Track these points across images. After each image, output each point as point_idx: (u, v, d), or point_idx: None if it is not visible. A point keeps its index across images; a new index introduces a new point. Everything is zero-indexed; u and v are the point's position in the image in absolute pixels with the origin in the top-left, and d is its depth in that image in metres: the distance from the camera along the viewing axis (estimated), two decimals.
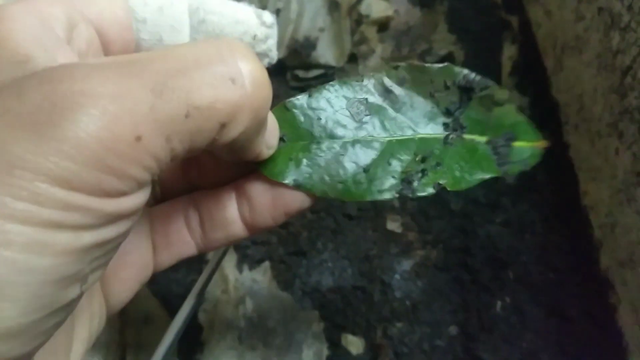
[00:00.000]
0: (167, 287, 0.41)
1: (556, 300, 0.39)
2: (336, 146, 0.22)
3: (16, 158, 0.13)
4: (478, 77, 0.24)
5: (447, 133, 0.23)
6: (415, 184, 0.22)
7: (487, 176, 0.23)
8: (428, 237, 0.44)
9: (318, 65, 0.53)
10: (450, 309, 0.42)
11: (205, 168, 0.24)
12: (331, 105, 0.22)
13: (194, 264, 0.43)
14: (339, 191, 0.22)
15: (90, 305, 0.20)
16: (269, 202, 0.22)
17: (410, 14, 0.57)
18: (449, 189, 0.22)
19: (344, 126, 0.23)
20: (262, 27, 0.28)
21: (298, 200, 0.22)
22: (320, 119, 0.22)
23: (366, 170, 0.22)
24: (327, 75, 0.52)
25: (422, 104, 0.23)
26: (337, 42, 0.55)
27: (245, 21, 0.28)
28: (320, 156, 0.22)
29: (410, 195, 0.22)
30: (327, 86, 0.23)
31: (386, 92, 0.23)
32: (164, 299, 0.40)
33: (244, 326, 0.41)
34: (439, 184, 0.22)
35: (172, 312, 0.37)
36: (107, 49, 0.20)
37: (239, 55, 0.16)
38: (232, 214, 0.23)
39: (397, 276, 0.43)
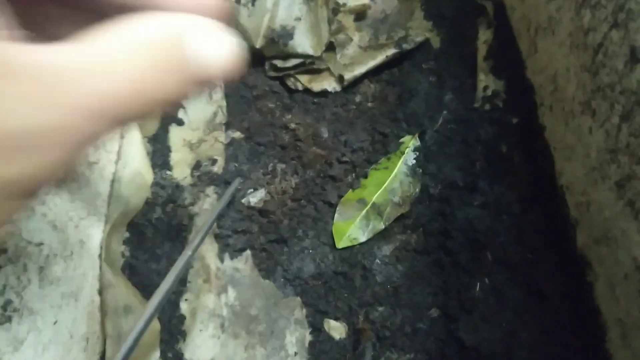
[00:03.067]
0: (147, 277, 0.41)
1: (534, 279, 0.40)
2: None
3: None
4: None
5: None
6: None
7: None
8: (408, 222, 0.44)
9: (296, 55, 0.53)
10: (431, 291, 0.42)
11: None
12: None
13: (174, 255, 0.42)
14: None
15: None
16: None
17: (387, 2, 0.57)
18: None
19: None
20: None
21: None
22: None
23: None
24: (306, 64, 0.52)
25: None
26: (314, 31, 0.55)
27: None
28: None
29: None
30: None
31: None
32: (144, 290, 0.40)
33: (226, 315, 0.41)
34: None
35: None
36: None
37: None
38: None
39: (377, 261, 0.43)
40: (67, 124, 0.14)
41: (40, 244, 0.31)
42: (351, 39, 0.55)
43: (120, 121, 0.16)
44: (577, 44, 0.38)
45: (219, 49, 0.17)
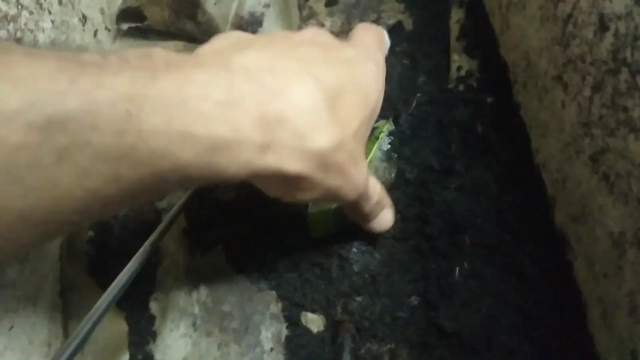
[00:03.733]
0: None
1: (514, 261, 0.39)
2: None
3: None
4: None
5: None
6: None
7: None
8: None
9: None
10: (410, 278, 0.41)
11: None
12: None
13: None
14: None
15: None
16: None
17: None
18: None
19: None
20: None
21: None
22: None
23: None
24: None
25: None
26: (284, 17, 0.54)
27: None
28: None
29: None
30: None
31: None
32: None
33: (198, 312, 0.39)
34: None
35: (119, 304, 0.35)
36: None
37: None
38: None
39: (354, 250, 0.42)
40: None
41: None
42: (323, 25, 0.54)
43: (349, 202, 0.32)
44: (547, 17, 0.36)
45: (389, 221, 0.38)
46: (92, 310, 0.24)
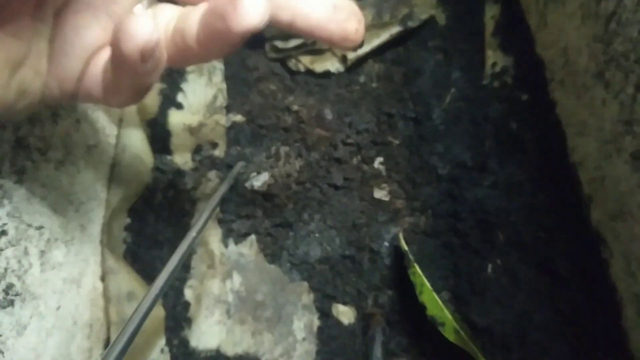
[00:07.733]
0: (149, 264, 0.40)
1: (547, 259, 0.39)
2: None
3: None
4: None
5: None
6: None
7: None
8: (416, 204, 0.43)
9: (297, 35, 0.52)
10: (441, 274, 0.41)
11: None
12: None
13: (177, 241, 0.42)
14: None
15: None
16: None
17: None
18: None
19: None
20: None
21: None
22: None
23: None
24: (307, 45, 0.51)
25: None
26: None
27: None
28: None
29: None
30: None
31: None
32: (147, 276, 0.39)
33: (231, 300, 0.40)
34: None
35: None
36: None
37: None
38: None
39: (386, 244, 0.42)
40: None
41: (41, 227, 0.31)
42: None
43: None
44: (588, 14, 0.36)
45: None
46: (142, 301, 0.25)
